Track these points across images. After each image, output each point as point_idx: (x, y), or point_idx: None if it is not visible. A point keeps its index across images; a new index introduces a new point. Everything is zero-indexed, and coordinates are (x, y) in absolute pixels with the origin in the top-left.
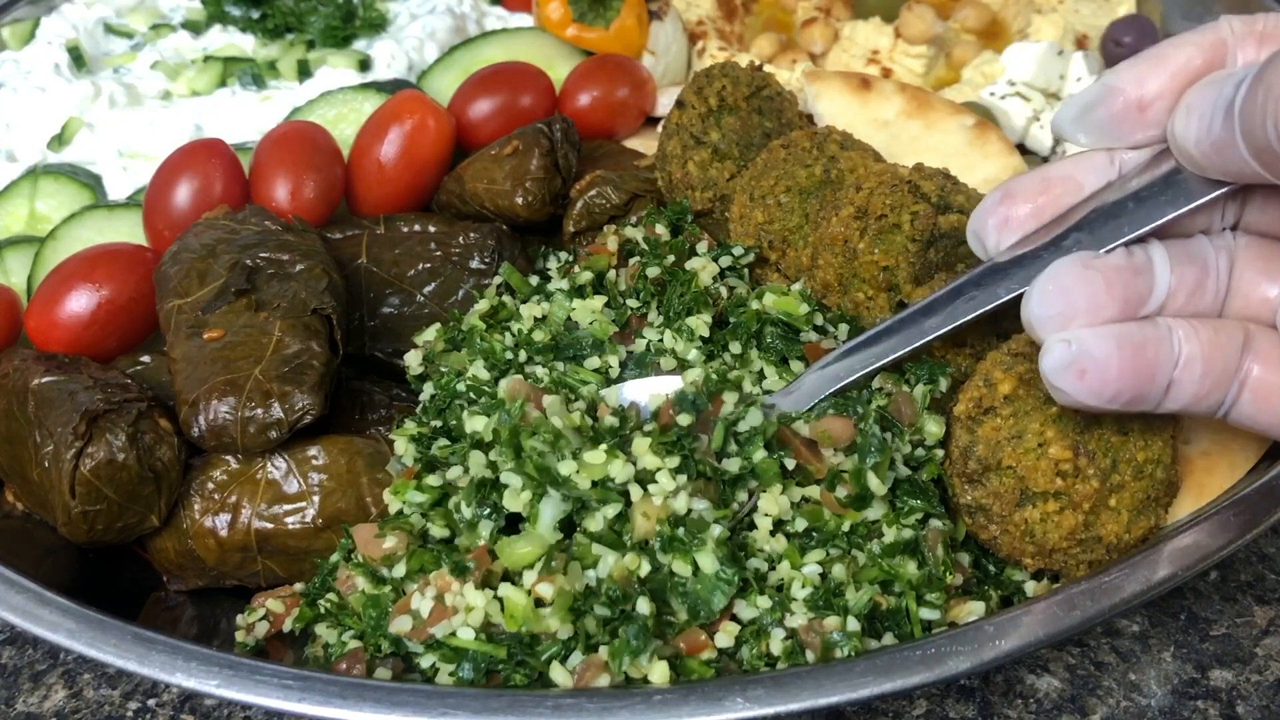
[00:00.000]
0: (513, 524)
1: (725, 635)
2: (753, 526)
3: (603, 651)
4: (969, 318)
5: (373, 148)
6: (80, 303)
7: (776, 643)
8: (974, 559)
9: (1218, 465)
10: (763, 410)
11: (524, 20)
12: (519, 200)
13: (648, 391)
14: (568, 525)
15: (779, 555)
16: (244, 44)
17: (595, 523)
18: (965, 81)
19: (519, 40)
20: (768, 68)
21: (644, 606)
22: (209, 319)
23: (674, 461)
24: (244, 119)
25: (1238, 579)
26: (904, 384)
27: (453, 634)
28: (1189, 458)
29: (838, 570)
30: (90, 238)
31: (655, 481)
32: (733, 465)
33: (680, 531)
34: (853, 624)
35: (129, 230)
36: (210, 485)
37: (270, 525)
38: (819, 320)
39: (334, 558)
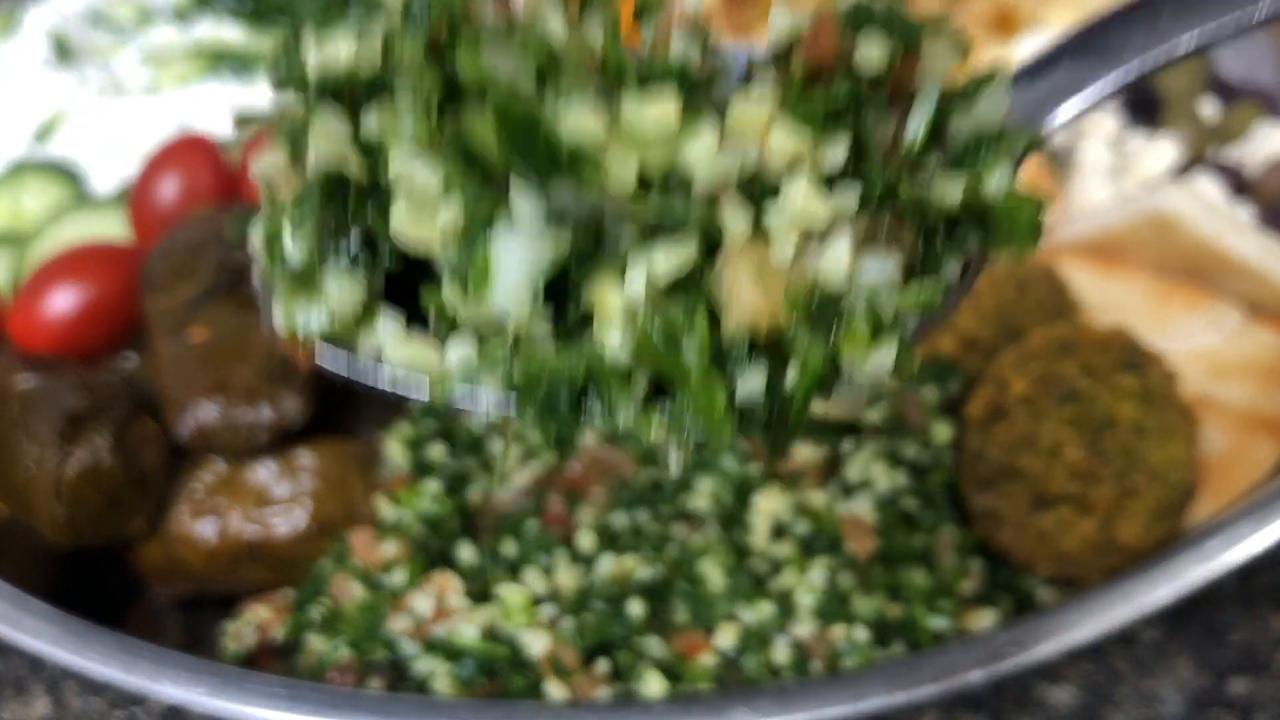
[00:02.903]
0: (407, 288)
1: (725, 635)
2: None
3: (600, 664)
4: None
5: None
6: (65, 301)
7: (781, 652)
8: (986, 565)
9: (1236, 466)
10: (1013, 93)
11: None
12: None
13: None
14: (556, 297)
15: (783, 561)
16: (232, 34)
17: (625, 284)
18: None
19: None
20: None
21: (636, 609)
22: (196, 318)
23: (834, 152)
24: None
25: (1256, 585)
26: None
27: (454, 632)
28: (1206, 459)
29: (844, 578)
30: (75, 235)
31: (777, 195)
32: (949, 188)
33: (814, 330)
34: (860, 633)
35: (115, 227)
36: (197, 489)
37: (259, 530)
38: None
39: (325, 563)
